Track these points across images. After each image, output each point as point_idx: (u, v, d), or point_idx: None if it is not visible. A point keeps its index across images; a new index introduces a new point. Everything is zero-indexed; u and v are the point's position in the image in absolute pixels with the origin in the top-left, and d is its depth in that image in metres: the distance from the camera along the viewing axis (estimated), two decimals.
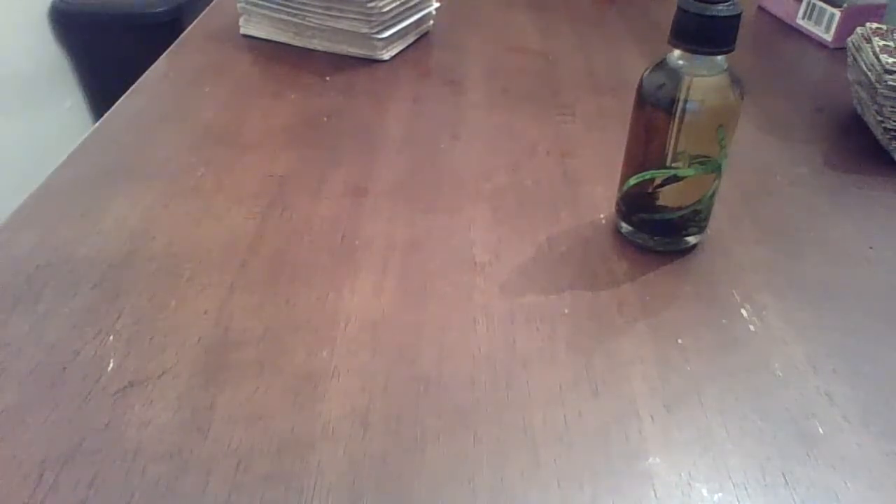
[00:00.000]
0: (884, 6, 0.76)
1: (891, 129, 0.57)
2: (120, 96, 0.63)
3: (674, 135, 0.42)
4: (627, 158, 0.46)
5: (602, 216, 0.50)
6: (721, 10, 0.39)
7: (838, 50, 0.77)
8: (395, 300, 0.42)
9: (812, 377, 0.39)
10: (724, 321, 0.42)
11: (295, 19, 0.72)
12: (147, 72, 0.68)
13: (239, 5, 0.74)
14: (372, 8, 0.68)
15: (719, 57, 0.41)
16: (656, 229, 0.46)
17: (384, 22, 0.70)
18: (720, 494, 0.33)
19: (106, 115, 0.60)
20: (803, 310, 0.43)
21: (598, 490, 0.33)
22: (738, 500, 0.32)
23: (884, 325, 0.42)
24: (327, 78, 0.68)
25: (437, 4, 0.78)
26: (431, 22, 0.79)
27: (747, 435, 0.35)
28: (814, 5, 0.81)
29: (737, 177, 0.55)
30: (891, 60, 0.57)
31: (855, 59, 0.63)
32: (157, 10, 1.45)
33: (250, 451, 0.34)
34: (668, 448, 0.34)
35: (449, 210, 0.51)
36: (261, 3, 0.72)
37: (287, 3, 0.71)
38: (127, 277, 0.43)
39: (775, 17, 0.87)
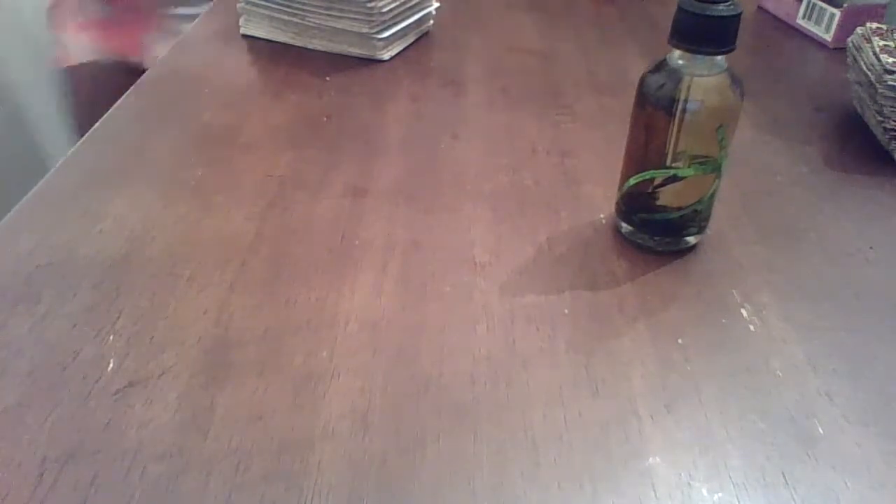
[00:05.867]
0: (884, 6, 0.76)
1: (891, 129, 0.57)
2: None
3: (674, 135, 0.42)
4: (627, 158, 0.46)
5: (602, 216, 0.50)
6: (721, 10, 0.39)
7: (838, 50, 0.77)
8: (395, 300, 0.42)
9: (812, 377, 0.39)
10: (724, 321, 0.42)
11: (295, 19, 0.72)
12: (147, 72, 0.68)
13: (239, 5, 0.74)
14: (372, 8, 0.68)
15: (719, 57, 0.41)
16: (656, 229, 0.46)
17: (384, 22, 0.70)
18: (720, 494, 0.33)
19: (105, 115, 0.60)
20: (803, 310, 0.43)
21: (598, 490, 0.33)
22: (738, 500, 0.32)
23: (884, 326, 0.42)
24: (327, 78, 0.68)
25: (437, 4, 0.78)
26: (431, 22, 0.79)
27: (747, 435, 0.35)
28: (814, 5, 0.81)
29: (737, 177, 0.55)
30: (891, 60, 0.57)
31: (855, 59, 0.63)
32: None
33: (250, 451, 0.34)
34: (668, 448, 0.34)
35: (449, 210, 0.51)
36: (261, 3, 0.72)
37: (287, 3, 0.71)
38: (127, 277, 0.43)
39: (775, 17, 0.87)
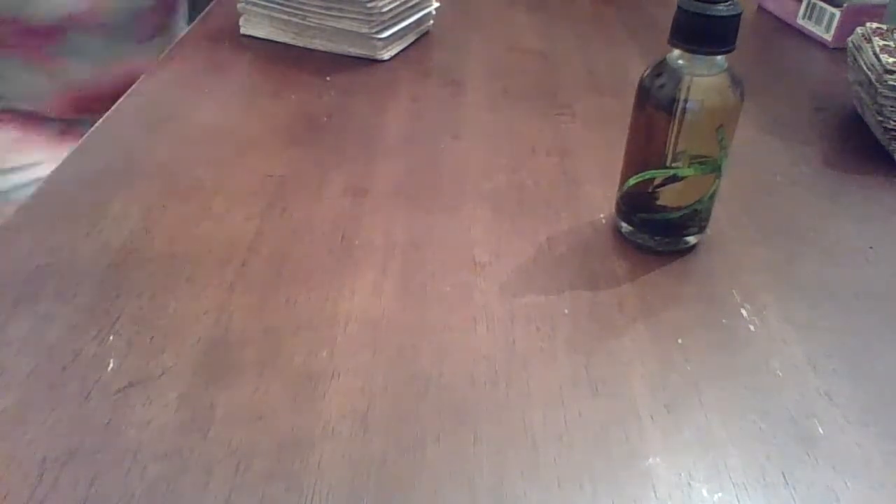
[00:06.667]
0: (884, 6, 0.76)
1: (891, 129, 0.57)
2: None
3: (674, 135, 0.42)
4: (627, 158, 0.46)
5: (602, 216, 0.50)
6: (721, 10, 0.39)
7: (838, 50, 0.77)
8: (395, 300, 0.42)
9: (812, 377, 0.39)
10: (724, 321, 0.42)
11: (295, 19, 0.72)
12: (146, 72, 0.68)
13: (239, 5, 0.74)
14: (372, 8, 0.68)
15: (719, 57, 0.41)
16: (656, 229, 0.46)
17: (384, 22, 0.70)
18: (720, 494, 0.33)
19: (105, 114, 0.60)
20: (803, 310, 0.43)
21: (598, 490, 0.33)
22: (738, 500, 0.32)
23: (884, 326, 0.42)
24: (327, 78, 0.68)
25: (437, 4, 0.78)
26: (431, 22, 0.79)
27: (747, 435, 0.35)
28: (814, 5, 0.81)
29: (737, 177, 0.55)
30: (891, 60, 0.57)
31: (855, 59, 0.63)
32: None
33: (250, 451, 0.34)
34: (668, 448, 0.34)
35: (449, 210, 0.51)
36: (261, 3, 0.72)
37: (287, 3, 0.71)
38: (127, 277, 0.43)
39: (775, 17, 0.87)
